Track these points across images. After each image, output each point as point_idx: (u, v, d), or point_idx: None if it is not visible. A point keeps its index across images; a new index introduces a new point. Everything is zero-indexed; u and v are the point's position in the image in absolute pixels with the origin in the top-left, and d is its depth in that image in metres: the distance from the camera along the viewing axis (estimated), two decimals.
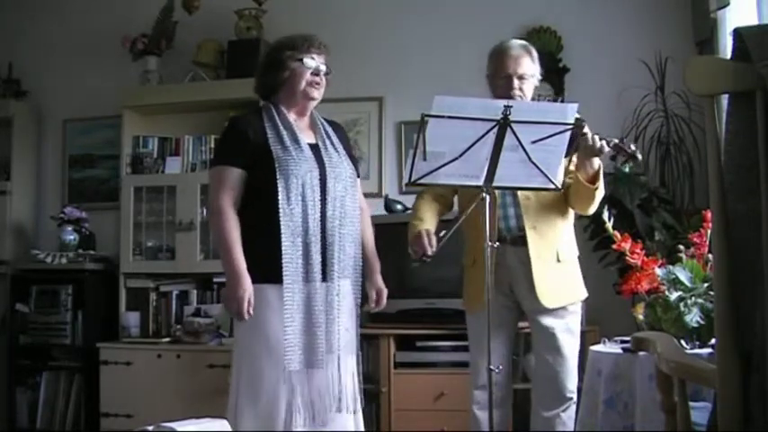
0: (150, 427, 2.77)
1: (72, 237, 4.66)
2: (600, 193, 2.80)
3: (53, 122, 5.08)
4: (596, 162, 2.75)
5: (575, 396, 2.89)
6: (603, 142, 2.67)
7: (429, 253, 2.80)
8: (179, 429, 2.71)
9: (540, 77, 2.96)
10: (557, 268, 2.88)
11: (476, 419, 2.94)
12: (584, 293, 3.00)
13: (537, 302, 2.84)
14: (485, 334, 2.77)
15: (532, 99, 2.98)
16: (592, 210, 2.88)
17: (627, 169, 2.78)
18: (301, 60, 2.80)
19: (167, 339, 4.43)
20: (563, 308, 2.88)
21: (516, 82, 2.84)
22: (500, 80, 2.88)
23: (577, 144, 2.65)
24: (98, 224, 4.76)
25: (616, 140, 2.70)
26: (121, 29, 4.77)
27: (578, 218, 3.87)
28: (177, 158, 4.64)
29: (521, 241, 2.85)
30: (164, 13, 4.73)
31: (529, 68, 2.88)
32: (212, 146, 4.55)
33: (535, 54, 2.94)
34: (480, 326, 2.85)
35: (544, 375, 2.90)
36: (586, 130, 2.64)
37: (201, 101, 4.59)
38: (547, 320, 2.86)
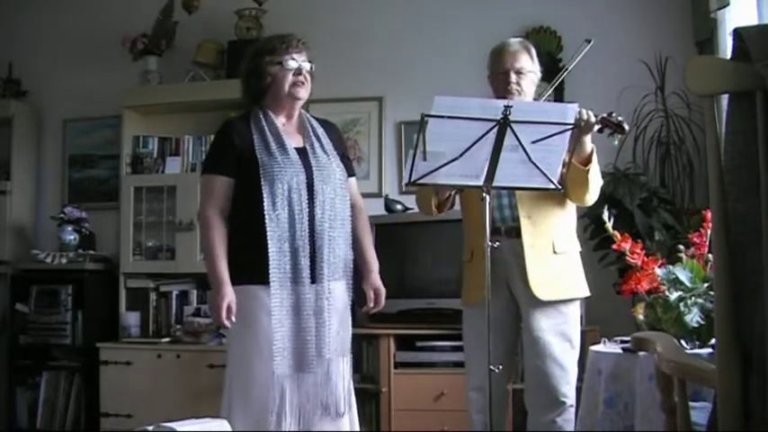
0: (150, 427, 2.77)
1: (72, 237, 4.66)
2: (594, 177, 2.78)
3: (53, 122, 5.08)
4: (588, 144, 2.75)
5: (569, 400, 2.83)
6: (591, 113, 2.71)
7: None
8: (179, 429, 2.71)
9: (539, 76, 2.96)
10: (552, 259, 2.83)
11: (473, 423, 2.92)
12: (584, 291, 2.95)
13: (530, 295, 2.79)
14: (480, 331, 2.70)
15: (534, 99, 2.98)
16: (589, 198, 2.84)
17: (616, 142, 2.81)
18: (281, 63, 2.79)
19: (167, 339, 4.43)
20: (556, 309, 2.82)
21: (514, 77, 2.85)
22: (498, 75, 2.88)
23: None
24: (98, 224, 4.76)
25: (604, 114, 2.74)
26: (121, 29, 4.77)
27: (580, 216, 3.90)
28: (177, 158, 4.65)
29: (515, 232, 2.82)
30: (164, 13, 4.73)
31: (527, 64, 2.88)
32: None
33: (533, 52, 2.94)
34: (475, 321, 2.81)
35: (534, 380, 2.85)
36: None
37: (201, 101, 4.59)
38: (538, 320, 2.81)
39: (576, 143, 2.72)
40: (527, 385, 2.92)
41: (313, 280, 2.71)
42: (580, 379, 2.95)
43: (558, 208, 2.88)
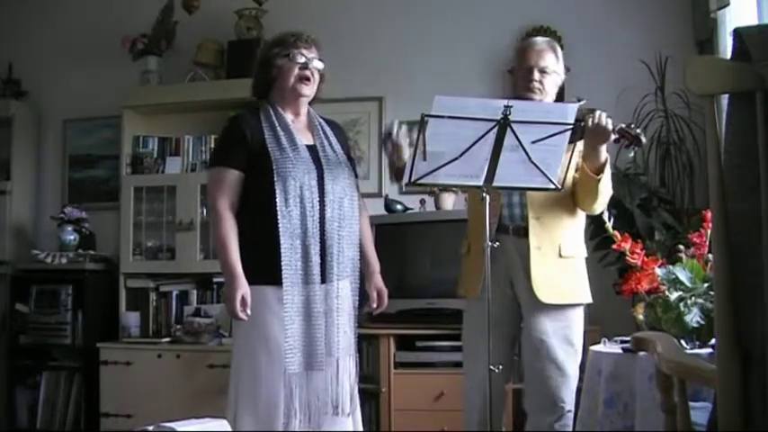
0: (150, 427, 2.77)
1: (72, 237, 4.66)
2: (605, 187, 2.74)
3: (53, 122, 5.08)
4: (603, 153, 2.71)
5: (568, 406, 2.79)
6: (610, 121, 2.65)
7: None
8: (179, 429, 2.71)
9: (563, 77, 2.92)
10: (557, 263, 2.79)
11: (469, 422, 2.91)
12: (587, 297, 2.90)
13: (532, 297, 2.75)
14: (478, 327, 2.64)
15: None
16: (597, 207, 2.81)
17: (632, 154, 2.75)
18: (288, 56, 2.79)
19: (167, 339, 4.43)
20: (560, 311, 2.79)
21: (537, 74, 2.81)
22: (521, 71, 2.85)
23: (582, 130, 2.62)
24: (98, 224, 4.77)
25: (623, 125, 2.68)
26: (121, 29, 4.77)
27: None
28: (177, 158, 4.65)
29: (523, 232, 2.77)
30: (164, 13, 4.74)
31: (551, 63, 2.85)
32: (212, 146, 4.56)
33: (560, 52, 2.91)
34: (475, 317, 2.75)
35: (535, 383, 2.81)
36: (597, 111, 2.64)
37: (201, 101, 4.59)
38: (542, 323, 2.77)
39: (590, 150, 2.69)
40: (527, 388, 2.89)
41: (323, 279, 2.71)
42: (580, 379, 2.94)
43: (568, 212, 2.84)
